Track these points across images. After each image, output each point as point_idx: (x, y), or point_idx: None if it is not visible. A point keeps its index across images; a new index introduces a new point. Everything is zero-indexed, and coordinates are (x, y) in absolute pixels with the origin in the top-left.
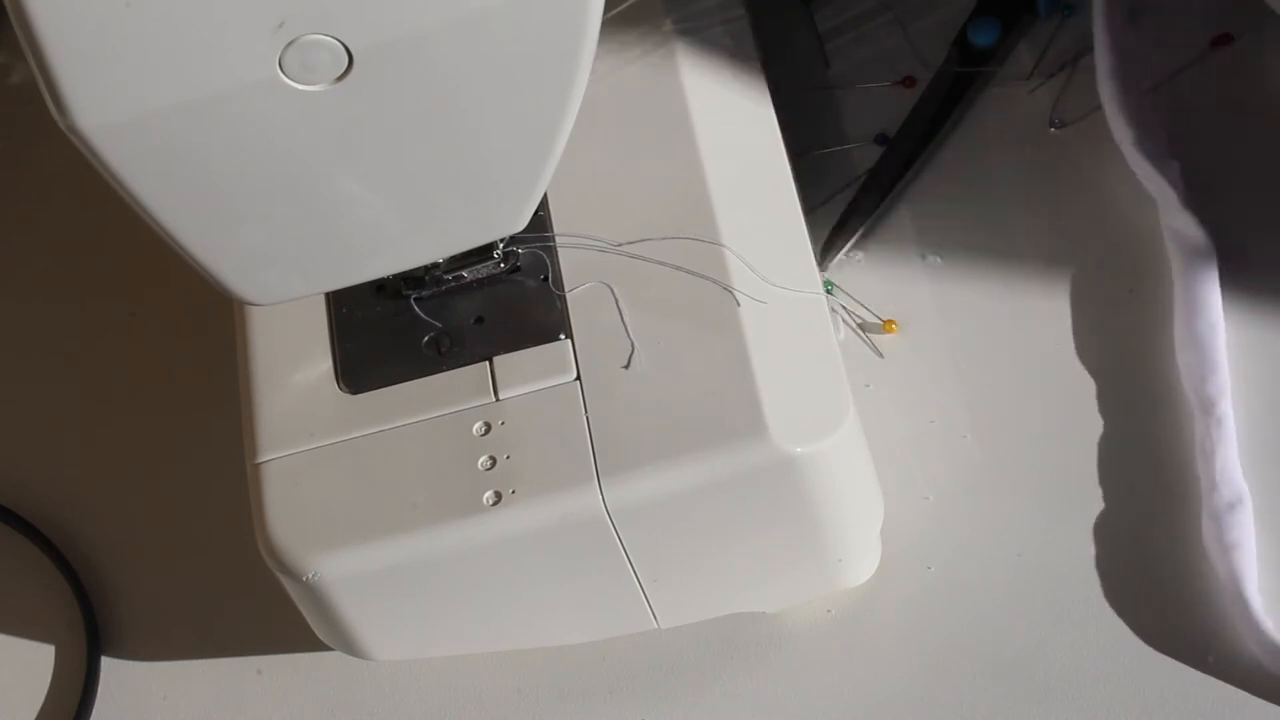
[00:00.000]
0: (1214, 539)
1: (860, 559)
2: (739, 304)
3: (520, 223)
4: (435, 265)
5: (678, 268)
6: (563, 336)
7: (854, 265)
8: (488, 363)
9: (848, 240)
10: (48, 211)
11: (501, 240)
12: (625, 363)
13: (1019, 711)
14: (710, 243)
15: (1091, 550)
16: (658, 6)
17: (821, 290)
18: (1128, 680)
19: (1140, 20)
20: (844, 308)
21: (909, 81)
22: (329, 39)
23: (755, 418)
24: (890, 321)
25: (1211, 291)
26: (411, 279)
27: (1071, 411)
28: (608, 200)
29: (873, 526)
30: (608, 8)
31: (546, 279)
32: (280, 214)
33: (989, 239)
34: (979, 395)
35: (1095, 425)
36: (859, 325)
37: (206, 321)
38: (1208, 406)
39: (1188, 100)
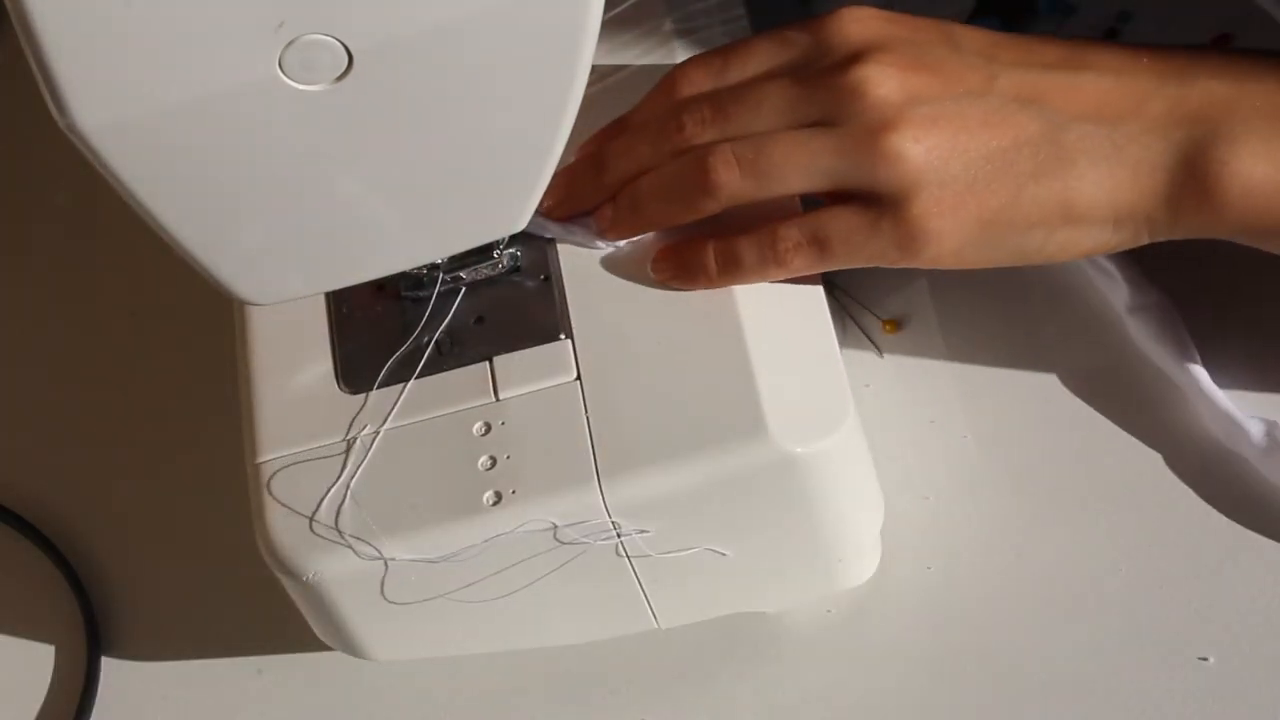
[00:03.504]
0: (1144, 334)
1: (860, 559)
2: (739, 304)
3: (520, 223)
4: (435, 265)
5: None
6: (563, 336)
7: None
8: (488, 363)
9: None
10: (48, 211)
11: (501, 240)
12: (625, 363)
13: (1018, 711)
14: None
15: (1091, 550)
16: (658, 6)
17: (821, 290)
18: (1127, 680)
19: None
20: (844, 308)
21: None
22: (329, 39)
23: (755, 418)
24: (890, 321)
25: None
26: (411, 279)
27: (1071, 411)
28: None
29: (873, 526)
30: (608, 8)
31: (547, 279)
32: (280, 214)
33: None
34: (979, 395)
35: (1095, 425)
36: (859, 325)
37: (206, 321)
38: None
39: None
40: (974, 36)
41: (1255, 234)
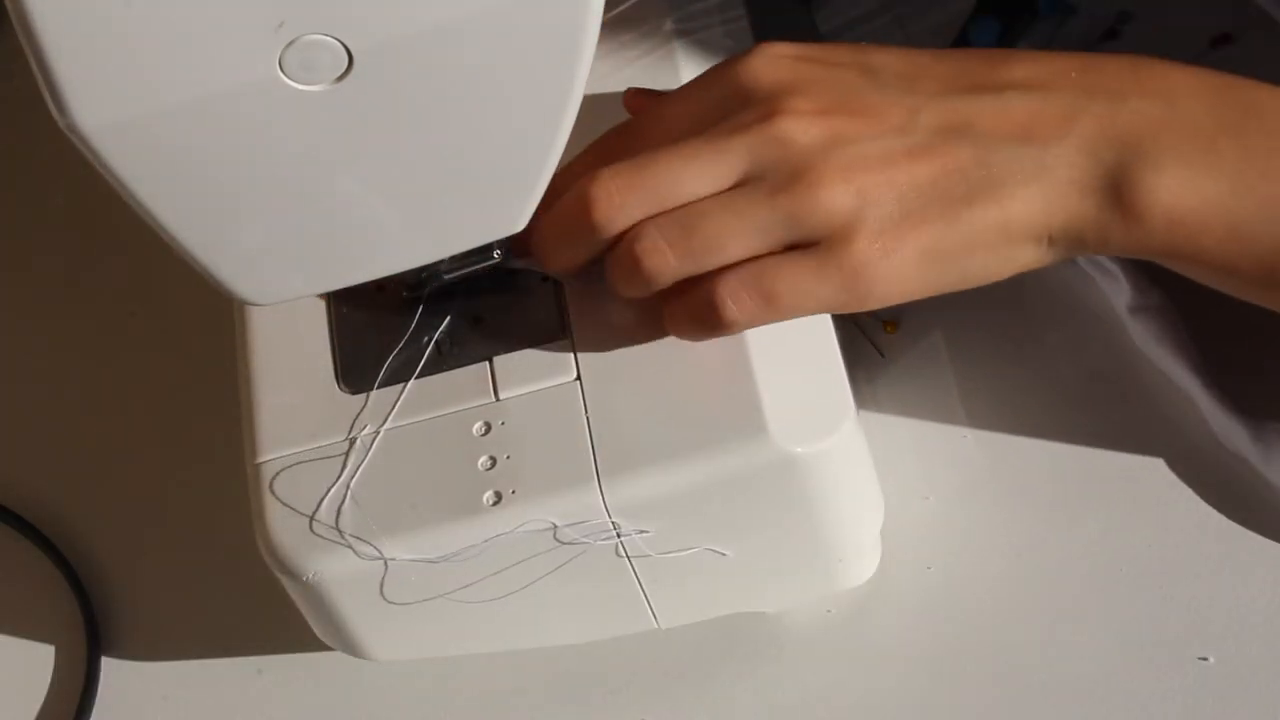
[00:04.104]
0: (1145, 335)
1: (860, 559)
2: None
3: (520, 223)
4: (435, 265)
5: None
6: (563, 336)
7: None
8: (488, 363)
9: None
10: (48, 211)
11: (502, 240)
12: (625, 363)
13: (1018, 711)
14: None
15: (1091, 550)
16: (658, 6)
17: None
18: (1127, 680)
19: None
20: None
21: None
22: (329, 39)
23: (755, 418)
24: (890, 322)
25: None
26: (411, 279)
27: (1071, 411)
28: None
29: (873, 526)
30: (608, 8)
31: (547, 279)
32: (280, 214)
33: None
34: (979, 396)
35: (1095, 425)
36: (859, 325)
37: (206, 321)
38: None
39: None
40: (892, 62)
41: (1180, 260)
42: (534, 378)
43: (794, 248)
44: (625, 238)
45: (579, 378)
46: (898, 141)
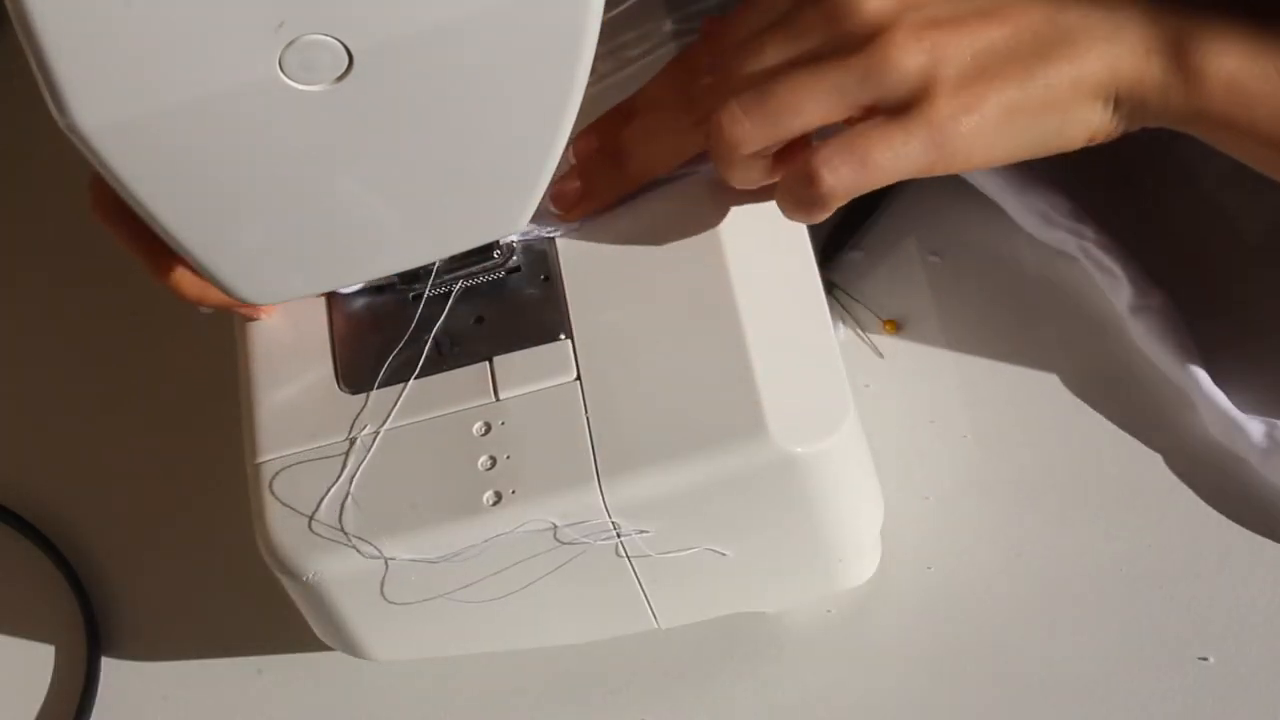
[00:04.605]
0: (1146, 335)
1: (860, 559)
2: (739, 303)
3: (520, 223)
4: (435, 265)
5: (678, 267)
6: (563, 336)
7: (854, 265)
8: (488, 363)
9: (848, 239)
10: (48, 211)
11: (502, 240)
12: (625, 363)
13: (1018, 712)
14: (710, 242)
15: (1091, 550)
16: (658, 6)
17: (821, 290)
18: (1127, 680)
19: None
20: (844, 308)
21: None
22: (329, 39)
23: (755, 418)
24: (890, 321)
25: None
26: (411, 279)
27: (1071, 411)
28: None
29: (873, 526)
30: (608, 8)
31: (547, 279)
32: (280, 214)
33: (989, 239)
34: (979, 395)
35: (1095, 425)
36: (859, 325)
37: (206, 322)
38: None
39: None
40: None
41: (1234, 131)
42: (534, 378)
43: (876, 114)
44: (711, 114)
45: (579, 378)
46: (968, 4)
